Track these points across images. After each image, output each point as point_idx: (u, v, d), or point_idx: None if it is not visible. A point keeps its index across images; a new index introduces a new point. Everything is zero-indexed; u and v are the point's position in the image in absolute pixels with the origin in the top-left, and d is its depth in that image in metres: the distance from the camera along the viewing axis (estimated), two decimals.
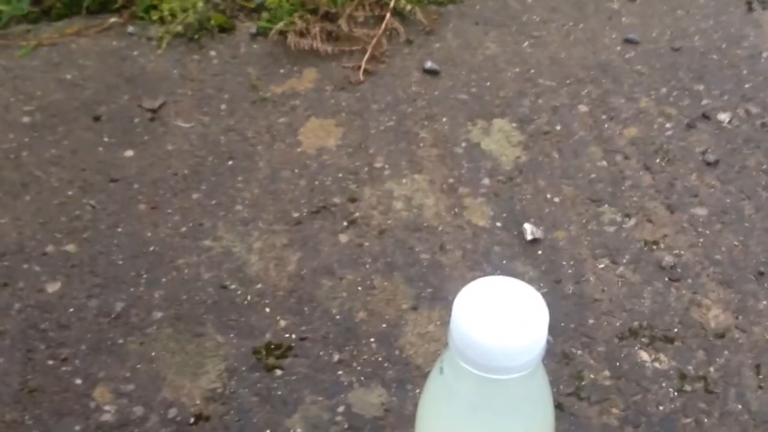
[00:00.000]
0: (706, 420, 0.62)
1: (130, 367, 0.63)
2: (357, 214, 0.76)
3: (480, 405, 0.43)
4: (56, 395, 0.61)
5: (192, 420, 0.61)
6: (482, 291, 0.42)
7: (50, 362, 0.63)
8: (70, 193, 0.76)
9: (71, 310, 0.67)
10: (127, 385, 0.62)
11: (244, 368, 0.64)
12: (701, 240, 0.75)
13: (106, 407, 0.61)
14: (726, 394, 0.63)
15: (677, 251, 0.74)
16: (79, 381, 0.62)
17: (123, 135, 0.82)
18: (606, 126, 0.86)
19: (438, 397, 0.45)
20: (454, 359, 0.42)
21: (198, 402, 0.62)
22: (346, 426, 0.61)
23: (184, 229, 0.74)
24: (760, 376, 0.64)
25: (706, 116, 0.87)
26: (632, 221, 0.77)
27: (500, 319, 0.41)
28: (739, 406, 0.62)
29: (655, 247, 0.75)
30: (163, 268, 0.71)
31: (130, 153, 0.81)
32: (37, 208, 0.75)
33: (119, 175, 0.78)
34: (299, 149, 0.82)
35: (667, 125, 0.86)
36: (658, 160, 0.83)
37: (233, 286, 0.70)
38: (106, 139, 0.82)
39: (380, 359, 0.65)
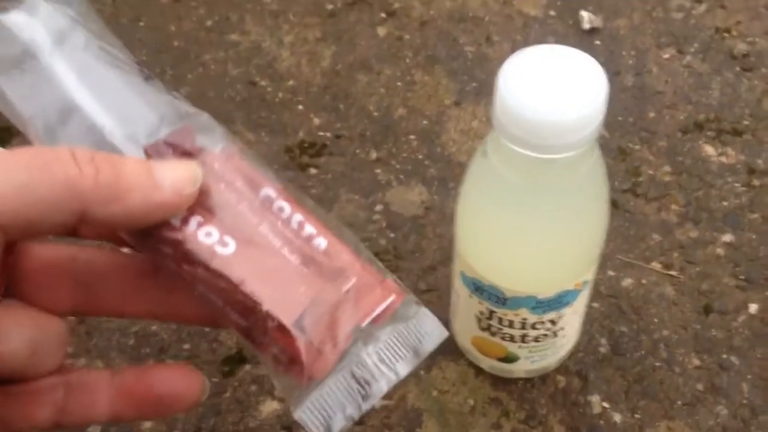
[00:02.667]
0: None
1: None
2: (396, 5, 0.70)
3: (527, 190, 0.39)
4: None
5: None
6: (531, 59, 0.37)
7: None
8: None
9: None
10: None
11: (276, 167, 0.61)
12: None
13: None
14: None
15: (751, 39, 0.67)
16: None
17: None
18: None
19: (481, 183, 0.41)
20: (498, 139, 0.37)
21: None
22: (384, 225, 0.58)
23: (209, 22, 0.69)
24: None
25: None
26: (703, 6, 0.69)
27: (550, 89, 0.36)
28: None
29: (726, 34, 0.67)
30: (188, 63, 0.66)
31: None
32: None
33: None
34: None
35: None
36: None
37: (263, 83, 0.65)
38: None
39: (420, 157, 0.61)
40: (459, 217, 0.43)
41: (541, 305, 0.43)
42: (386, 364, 0.27)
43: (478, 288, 0.44)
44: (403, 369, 0.27)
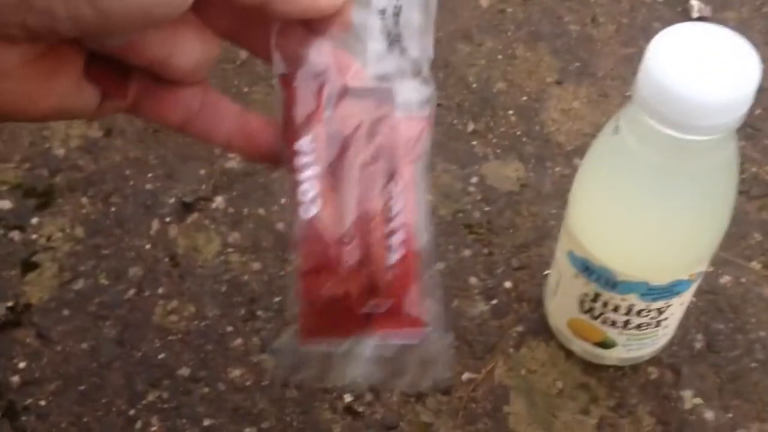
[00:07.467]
0: None
1: None
2: None
3: (659, 171, 0.38)
4: (181, 138, 0.59)
5: None
6: (683, 36, 0.35)
7: None
8: None
9: None
10: None
11: None
12: None
13: (231, 154, 0.58)
14: None
15: None
16: None
17: None
18: None
19: (608, 161, 0.40)
20: (637, 115, 0.36)
21: None
22: (479, 198, 0.57)
23: None
24: None
25: None
26: None
27: (703, 68, 0.34)
28: None
29: None
30: None
31: None
32: None
33: None
34: None
35: None
36: None
37: None
38: None
39: (518, 133, 0.60)
40: (576, 193, 0.42)
41: (651, 292, 0.42)
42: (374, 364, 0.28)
43: (587, 269, 0.43)
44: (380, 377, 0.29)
